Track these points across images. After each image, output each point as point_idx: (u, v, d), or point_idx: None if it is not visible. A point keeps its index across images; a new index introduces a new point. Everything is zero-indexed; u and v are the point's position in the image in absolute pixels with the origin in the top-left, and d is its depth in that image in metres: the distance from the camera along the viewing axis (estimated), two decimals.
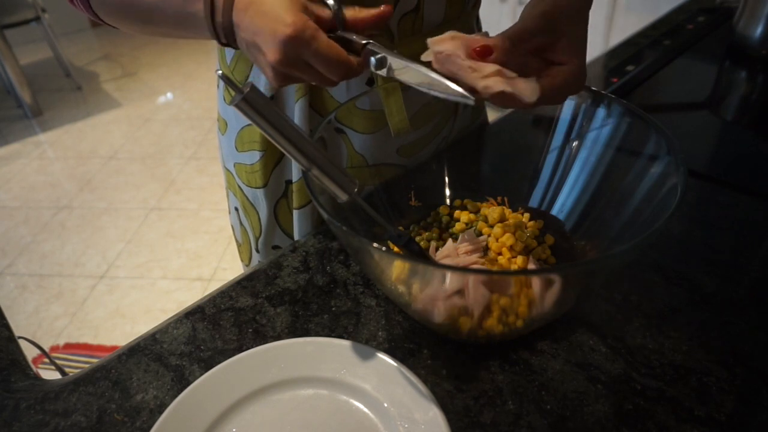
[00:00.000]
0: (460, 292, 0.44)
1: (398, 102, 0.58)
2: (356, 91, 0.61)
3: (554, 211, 0.58)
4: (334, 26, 0.46)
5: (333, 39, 0.44)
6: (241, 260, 0.81)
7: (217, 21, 0.45)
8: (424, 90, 0.43)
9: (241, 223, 0.76)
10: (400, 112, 0.58)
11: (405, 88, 0.58)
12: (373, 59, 0.44)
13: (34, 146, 2.78)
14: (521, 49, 0.42)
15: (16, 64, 2.86)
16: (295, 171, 0.67)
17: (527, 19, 0.43)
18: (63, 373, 0.54)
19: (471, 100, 0.40)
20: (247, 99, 0.39)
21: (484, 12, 0.71)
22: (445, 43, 0.41)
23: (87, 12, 0.53)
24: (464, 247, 0.53)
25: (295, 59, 0.42)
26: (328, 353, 0.48)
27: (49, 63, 3.49)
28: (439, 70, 0.41)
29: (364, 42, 0.45)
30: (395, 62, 0.43)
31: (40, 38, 3.32)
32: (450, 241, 0.55)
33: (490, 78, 0.40)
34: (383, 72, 0.44)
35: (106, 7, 0.52)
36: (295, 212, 0.68)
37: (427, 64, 0.43)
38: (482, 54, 0.41)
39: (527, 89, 0.40)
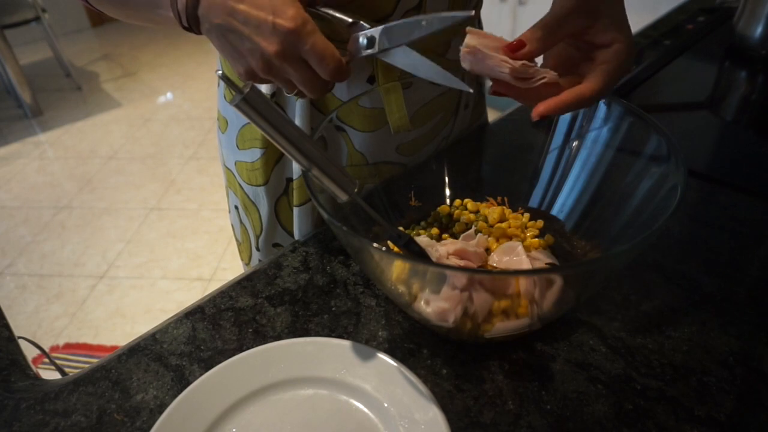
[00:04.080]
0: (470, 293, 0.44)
1: (398, 99, 0.58)
2: (357, 88, 0.61)
3: (554, 211, 0.58)
4: (317, 1, 0.46)
5: (315, 14, 0.44)
6: (241, 259, 0.81)
7: (180, 0, 0.44)
8: (418, 75, 0.43)
9: (241, 222, 0.76)
10: (400, 109, 0.58)
11: (406, 86, 0.58)
12: (362, 39, 0.44)
13: (34, 146, 2.78)
14: (557, 37, 0.42)
15: (16, 64, 2.85)
16: (296, 168, 0.67)
17: (558, 4, 0.42)
18: (63, 373, 0.54)
19: (469, 90, 0.41)
20: (247, 99, 0.39)
21: (484, 12, 0.71)
22: (476, 38, 0.42)
23: None
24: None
25: (292, 53, 0.42)
26: (328, 353, 0.48)
27: (49, 63, 3.49)
28: (470, 63, 0.42)
29: (351, 21, 0.45)
30: (384, 41, 0.44)
31: (40, 38, 3.32)
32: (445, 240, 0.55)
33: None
34: (373, 50, 0.44)
35: None
36: (295, 209, 0.68)
37: (417, 48, 0.44)
38: (515, 48, 0.41)
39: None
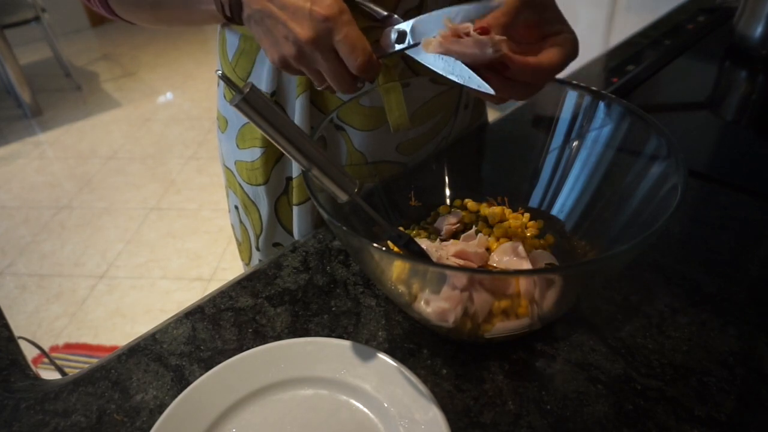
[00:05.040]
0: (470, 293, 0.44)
1: (398, 98, 0.58)
2: None
3: (554, 211, 0.58)
4: None
5: (351, 4, 0.44)
6: (241, 259, 0.81)
7: None
8: (446, 75, 0.43)
9: (241, 222, 0.76)
10: (399, 107, 0.58)
11: (405, 85, 0.58)
12: (393, 33, 0.45)
13: (34, 146, 2.78)
14: (517, 25, 0.43)
15: (16, 64, 2.85)
16: (295, 167, 0.67)
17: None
18: (63, 373, 0.54)
19: (490, 91, 0.41)
20: (247, 99, 0.39)
21: None
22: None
23: (103, 9, 0.54)
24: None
25: (325, 42, 0.42)
26: (328, 353, 0.48)
27: (49, 63, 3.49)
28: (447, 50, 0.42)
29: (385, 14, 0.46)
30: (414, 34, 0.44)
31: (40, 38, 3.32)
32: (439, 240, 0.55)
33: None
34: (403, 45, 0.45)
35: None
36: (294, 208, 0.68)
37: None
38: (481, 33, 0.42)
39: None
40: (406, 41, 0.45)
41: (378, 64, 0.44)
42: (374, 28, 0.47)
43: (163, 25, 0.56)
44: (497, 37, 0.40)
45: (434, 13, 0.43)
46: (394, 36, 0.45)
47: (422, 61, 0.45)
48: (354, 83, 0.45)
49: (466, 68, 0.42)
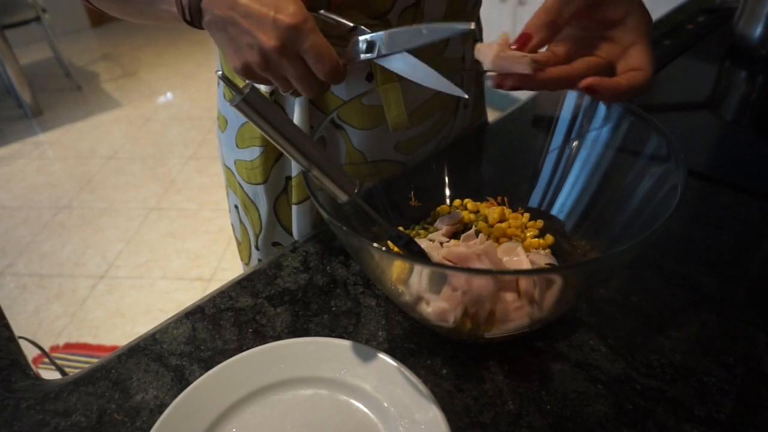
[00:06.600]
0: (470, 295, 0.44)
1: (397, 96, 0.58)
2: (355, 86, 0.61)
3: (554, 211, 0.58)
4: (319, 5, 0.46)
5: (316, 18, 0.44)
6: (241, 259, 0.81)
7: None
8: (414, 80, 0.44)
9: (240, 221, 0.76)
10: (398, 106, 0.58)
11: (404, 83, 0.58)
12: (362, 43, 0.45)
13: (34, 146, 2.78)
14: (563, 21, 0.42)
15: (16, 64, 2.86)
16: (295, 166, 0.67)
17: None
18: (63, 373, 0.54)
19: (462, 94, 0.42)
20: (247, 99, 0.39)
21: (484, 12, 0.71)
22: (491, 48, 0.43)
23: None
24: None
25: (291, 50, 0.42)
26: (328, 353, 0.48)
27: (49, 63, 3.49)
28: (497, 68, 0.43)
29: (352, 25, 0.45)
30: (385, 47, 0.44)
31: (40, 38, 3.32)
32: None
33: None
34: (372, 55, 0.45)
35: None
36: (293, 207, 0.68)
37: (416, 52, 0.44)
38: (523, 42, 0.42)
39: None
40: (375, 51, 0.45)
41: (344, 70, 0.44)
42: (335, 26, 0.46)
43: (132, 19, 0.55)
44: (530, 56, 0.41)
45: (404, 29, 0.43)
46: (363, 46, 0.45)
47: (389, 68, 0.45)
48: (322, 87, 0.45)
49: (434, 72, 0.43)
